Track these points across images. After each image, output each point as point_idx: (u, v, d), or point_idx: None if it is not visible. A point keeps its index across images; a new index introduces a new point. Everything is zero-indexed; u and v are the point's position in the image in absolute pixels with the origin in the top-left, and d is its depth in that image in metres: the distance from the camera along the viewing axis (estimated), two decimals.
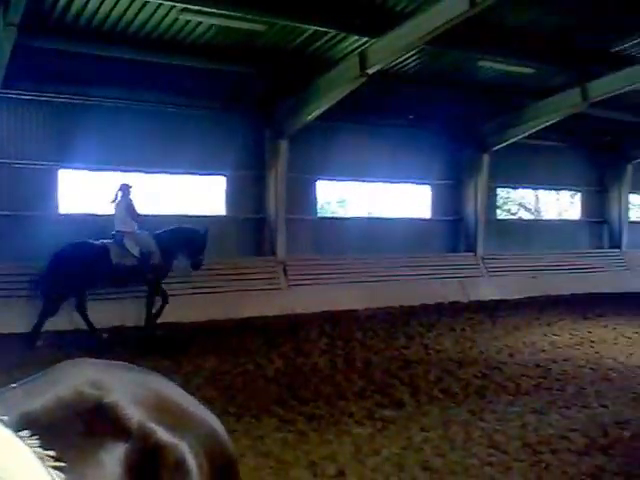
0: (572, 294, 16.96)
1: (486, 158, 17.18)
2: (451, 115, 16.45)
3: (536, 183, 20.15)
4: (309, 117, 13.56)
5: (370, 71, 11.78)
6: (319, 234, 15.48)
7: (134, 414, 1.55)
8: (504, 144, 16.75)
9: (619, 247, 20.31)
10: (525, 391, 7.67)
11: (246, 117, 14.45)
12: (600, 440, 5.86)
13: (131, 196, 11.29)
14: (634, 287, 18.09)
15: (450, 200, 17.62)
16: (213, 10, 10.48)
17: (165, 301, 11.34)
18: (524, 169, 18.82)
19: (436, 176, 17.48)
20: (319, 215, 16.18)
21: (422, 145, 16.81)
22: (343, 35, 11.95)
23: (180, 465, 1.53)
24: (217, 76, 12.90)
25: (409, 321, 12.81)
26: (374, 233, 16.05)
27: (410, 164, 16.72)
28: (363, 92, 13.18)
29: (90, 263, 10.41)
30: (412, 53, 12.82)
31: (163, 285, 11.50)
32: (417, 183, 17.65)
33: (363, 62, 11.68)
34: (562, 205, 22.10)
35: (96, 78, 12.39)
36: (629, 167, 19.99)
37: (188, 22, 11.06)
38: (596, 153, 20.33)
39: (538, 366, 8.96)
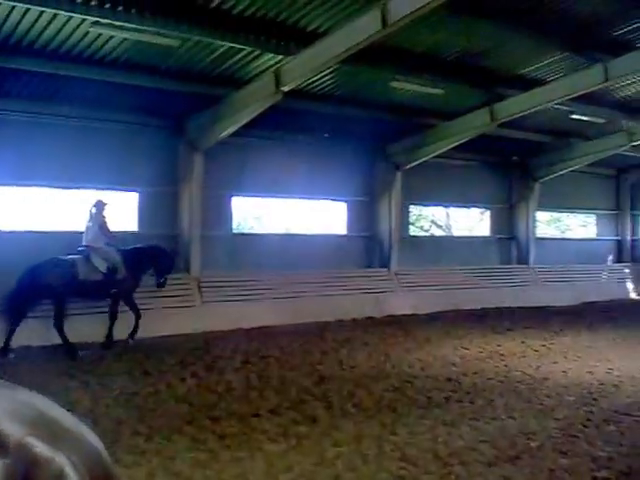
0: (482, 308, 17.49)
1: (399, 176, 17.58)
2: (366, 133, 16.80)
3: (447, 200, 20.76)
4: (224, 133, 13.45)
5: (285, 89, 11.82)
6: (235, 250, 15.32)
7: (11, 429, 1.44)
8: (416, 162, 17.21)
9: (527, 262, 21.17)
10: (436, 404, 7.79)
11: (160, 132, 14.18)
12: (508, 451, 6.01)
13: (104, 213, 11.56)
14: (541, 301, 18.89)
15: (365, 217, 17.89)
16: (125, 24, 10.23)
17: (138, 316, 11.70)
18: (436, 187, 19.37)
19: (352, 193, 17.71)
20: (235, 231, 16.04)
21: (338, 162, 17.02)
22: (258, 52, 11.96)
23: (59, 478, 1.44)
24: (130, 90, 12.58)
25: (324, 336, 12.82)
26: (290, 249, 16.06)
27: (326, 181, 16.88)
28: (280, 109, 13.23)
29: (59, 279, 10.65)
30: (327, 72, 12.99)
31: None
32: (333, 200, 17.83)
33: (278, 80, 11.70)
34: (472, 222, 22.89)
35: (3, 92, 11.99)
36: (536, 185, 20.91)
37: (99, 35, 10.76)
38: (504, 172, 21.21)
39: (449, 379, 9.14)
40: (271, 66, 12.13)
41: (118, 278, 11.39)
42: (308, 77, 12.26)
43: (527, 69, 14.48)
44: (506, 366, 10.15)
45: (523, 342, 12.44)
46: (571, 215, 25.30)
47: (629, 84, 15.83)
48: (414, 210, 20.94)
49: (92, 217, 11.51)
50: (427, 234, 22.62)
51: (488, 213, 21.71)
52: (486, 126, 15.76)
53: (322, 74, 12.96)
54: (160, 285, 12.26)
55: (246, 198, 16.46)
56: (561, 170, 20.42)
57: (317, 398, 7.93)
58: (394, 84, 14.13)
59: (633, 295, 22.72)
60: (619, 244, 24.98)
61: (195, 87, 12.99)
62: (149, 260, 12.02)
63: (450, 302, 17.46)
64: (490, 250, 21.15)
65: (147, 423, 6.71)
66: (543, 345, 12.11)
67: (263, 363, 10.15)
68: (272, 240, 16.16)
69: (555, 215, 25.21)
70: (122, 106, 13.27)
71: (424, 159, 17.13)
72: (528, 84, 14.71)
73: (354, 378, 9.16)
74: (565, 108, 16.53)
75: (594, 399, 8.02)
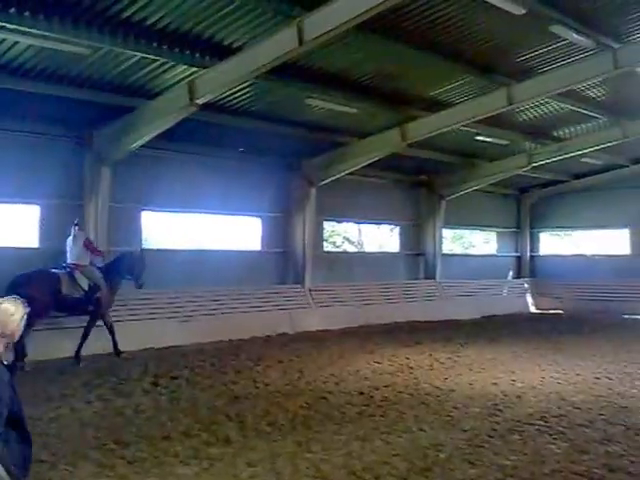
0: (393, 322, 17.86)
1: (314, 192, 17.74)
2: (281, 149, 16.89)
3: (359, 217, 21.14)
4: (134, 145, 13.08)
5: (200, 101, 11.69)
6: None
7: None
8: (331, 179, 17.45)
9: (433, 277, 21.83)
10: (350, 419, 7.84)
11: (66, 143, 13.60)
12: (419, 463, 6.13)
13: (83, 231, 12.19)
14: (447, 315, 19.53)
15: (279, 232, 17.92)
16: (31, 30, 9.78)
17: (112, 331, 12.06)
18: (349, 203, 19.69)
19: (266, 208, 17.70)
20: (144, 247, 15.59)
21: (253, 178, 16.97)
22: (172, 64, 11.78)
23: None
24: (36, 99, 12.02)
25: (238, 355, 12.67)
26: (203, 265, 15.80)
27: (241, 196, 16.79)
28: (194, 122, 13.07)
29: (45, 291, 10.95)
30: (243, 86, 12.95)
31: None
32: (248, 215, 17.75)
33: (192, 92, 11.55)
34: (383, 238, 23.37)
35: None
36: (442, 203, 21.66)
37: (3, 41, 10.26)
38: (413, 190, 21.86)
39: (361, 393, 9.24)
40: (185, 78, 11.97)
41: (97, 297, 11.79)
42: (223, 91, 12.17)
43: (436, 91, 15.00)
44: (415, 379, 10.37)
45: (431, 355, 12.78)
46: (474, 232, 26.35)
47: (531, 108, 16.70)
48: (328, 226, 21.17)
49: (75, 236, 11.90)
50: (340, 250, 22.90)
51: (397, 229, 22.26)
52: (397, 145, 16.23)
53: (238, 88, 12.90)
54: (140, 286, 12.73)
55: (157, 213, 16.08)
56: (466, 189, 21.30)
57: (230, 418, 7.80)
58: (309, 102, 14.30)
59: (532, 308, 23.86)
60: (519, 260, 26.24)
61: (105, 97, 12.59)
62: (127, 269, 12.51)
63: (362, 317, 17.73)
64: (399, 265, 21.68)
65: (50, 450, 6.37)
66: (449, 358, 12.49)
67: (174, 384, 9.88)
68: (183, 256, 15.84)
69: (459, 232, 26.18)
70: (27, 115, 12.73)
71: (338, 176, 17.39)
72: (437, 106, 15.27)
73: (268, 396, 9.09)
74: (471, 130, 17.26)
75: (499, 410, 8.32)
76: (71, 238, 12.00)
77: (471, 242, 27.01)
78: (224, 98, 13.40)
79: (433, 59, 13.00)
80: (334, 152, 17.01)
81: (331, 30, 9.56)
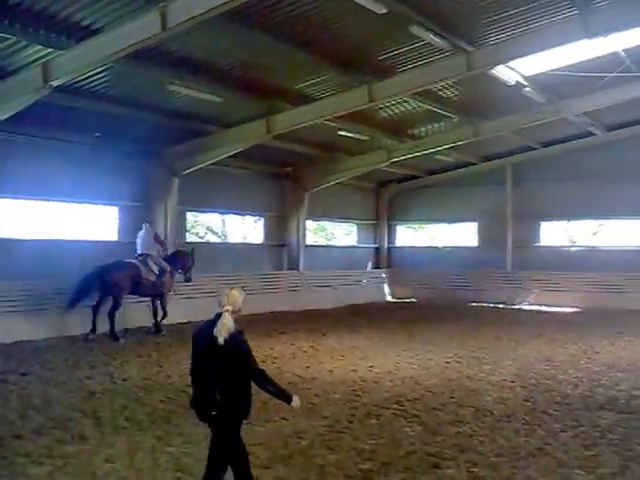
0: (257, 313, 17.91)
1: (176, 181, 17.33)
2: (141, 136, 16.32)
3: (224, 208, 20.99)
4: None
5: (54, 83, 11.01)
6: None
7: None
8: (194, 168, 17.12)
9: (297, 268, 22.16)
10: None
11: None
12: (281, 451, 6.24)
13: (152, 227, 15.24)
14: (311, 305, 19.94)
15: (138, 222, 17.21)
16: None
17: (164, 310, 14.70)
18: (213, 194, 19.48)
19: (124, 197, 17.06)
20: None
21: (110, 165, 16.26)
22: (25, 43, 10.99)
23: None
24: None
25: (92, 349, 12.15)
26: (53, 256, 14.93)
27: (96, 184, 16.06)
28: (49, 105, 12.30)
29: (127, 276, 13.78)
30: (102, 69, 12.38)
31: None
32: (103, 204, 17.01)
33: (46, 74, 10.85)
34: (247, 229, 23.36)
35: None
36: (306, 195, 22.03)
37: None
38: (278, 181, 22.04)
39: None
40: (40, 59, 11.22)
41: (164, 280, 14.55)
42: (81, 73, 11.57)
43: (302, 85, 15.16)
44: (278, 368, 10.50)
45: (293, 344, 13.02)
46: (336, 224, 27.06)
47: (391, 106, 17.37)
48: (191, 217, 20.79)
49: (145, 230, 14.80)
50: (203, 241, 22.58)
51: (262, 221, 22.34)
52: (262, 137, 16.24)
53: (96, 71, 12.31)
54: (188, 280, 15.65)
55: (4, 200, 14.97)
56: (329, 182, 21.80)
57: (86, 415, 7.49)
58: (172, 88, 13.91)
59: (389, 297, 24.94)
60: (377, 251, 27.32)
61: None
62: (182, 263, 15.36)
63: None
64: (263, 256, 21.79)
65: None
66: (312, 346, 12.79)
67: (24, 381, 9.30)
68: (33, 246, 14.89)
69: (322, 224, 26.78)
70: None
71: (201, 165, 17.11)
72: (302, 99, 15.46)
73: (126, 391, 8.80)
74: (334, 124, 17.65)
75: (357, 395, 8.66)
76: (143, 232, 14.72)
77: (333, 234, 27.71)
78: (80, 81, 12.74)
79: (300, 53, 13.11)
80: (198, 141, 16.71)
81: (195, 16, 9.37)
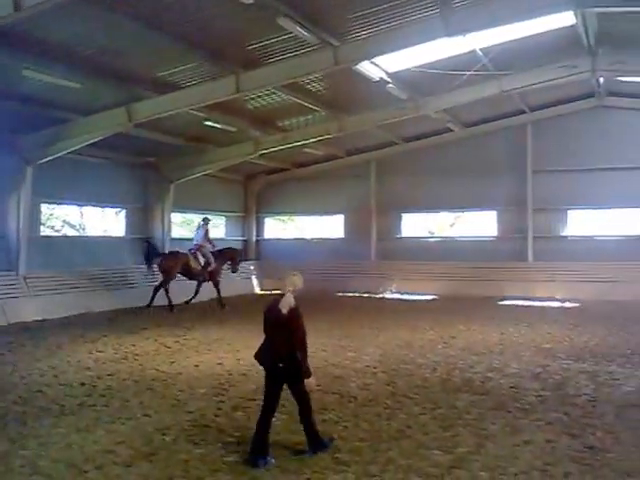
0: (116, 309, 17.33)
1: (29, 172, 16.20)
2: None
3: (82, 199, 19.97)
4: None
5: None
6: None
7: None
8: (49, 158, 16.07)
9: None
10: (70, 411, 7.46)
11: None
12: (144, 449, 6.09)
13: (208, 226, 19.18)
14: (175, 299, 19.38)
15: None
16: None
17: (218, 290, 19.04)
18: (70, 185, 18.46)
19: None
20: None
21: None
22: None
23: None
24: None
25: None
26: None
27: None
28: None
29: (178, 263, 17.89)
30: None
31: None
32: None
33: None
34: (107, 222, 22.39)
35: None
36: (171, 187, 21.41)
37: None
38: (140, 172, 21.24)
39: (83, 384, 8.83)
40: None
41: (210, 270, 18.57)
42: None
43: (165, 72, 14.68)
44: (141, 365, 10.21)
45: (157, 340, 12.68)
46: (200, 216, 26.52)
47: (258, 97, 17.32)
48: (46, 209, 19.58)
49: (200, 227, 19.08)
50: (60, 234, 21.36)
51: (124, 213, 21.50)
52: (123, 125, 15.58)
53: None
54: (235, 271, 19.91)
55: None
56: (195, 173, 21.37)
57: None
58: (26, 73, 12.95)
59: (257, 290, 24.96)
60: (245, 243, 27.25)
61: None
62: (228, 257, 19.36)
63: (83, 305, 16.88)
64: (125, 250, 20.93)
65: None
66: (176, 342, 12.52)
67: None
68: None
69: (189, 216, 26.25)
70: None
71: (58, 155, 16.10)
72: (165, 87, 15.00)
73: None
74: (200, 114, 17.33)
75: (224, 389, 8.61)
76: (199, 229, 19.01)
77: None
78: None
79: (162, 39, 12.67)
80: (54, 129, 15.70)
81: None
